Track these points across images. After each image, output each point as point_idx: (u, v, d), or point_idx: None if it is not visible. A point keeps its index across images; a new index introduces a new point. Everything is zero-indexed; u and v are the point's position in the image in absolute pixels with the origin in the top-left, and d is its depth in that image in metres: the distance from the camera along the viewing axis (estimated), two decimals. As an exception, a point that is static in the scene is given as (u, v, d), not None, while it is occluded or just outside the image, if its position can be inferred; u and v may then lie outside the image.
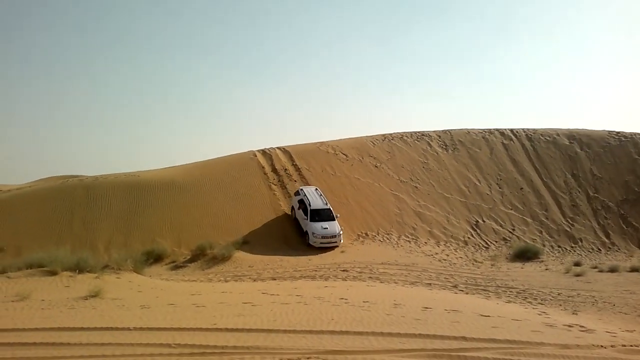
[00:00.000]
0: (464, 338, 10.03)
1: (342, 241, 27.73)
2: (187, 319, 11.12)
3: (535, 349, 9.58)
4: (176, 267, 23.98)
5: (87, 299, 13.97)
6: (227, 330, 10.05)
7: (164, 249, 25.12)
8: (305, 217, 27.61)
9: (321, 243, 27.11)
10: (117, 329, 10.04)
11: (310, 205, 27.87)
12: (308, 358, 8.26)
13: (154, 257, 24.26)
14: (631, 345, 10.58)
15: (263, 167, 33.62)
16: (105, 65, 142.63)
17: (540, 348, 9.65)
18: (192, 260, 24.72)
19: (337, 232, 27.53)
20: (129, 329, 10.05)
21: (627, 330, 13.08)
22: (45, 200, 28.62)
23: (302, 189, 29.66)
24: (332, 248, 27.25)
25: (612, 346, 10.31)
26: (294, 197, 29.61)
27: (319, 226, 27.31)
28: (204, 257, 24.73)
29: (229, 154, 36.53)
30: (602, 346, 10.25)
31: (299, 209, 28.46)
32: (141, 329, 10.06)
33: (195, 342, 9.08)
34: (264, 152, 35.79)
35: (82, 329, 10.01)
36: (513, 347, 9.57)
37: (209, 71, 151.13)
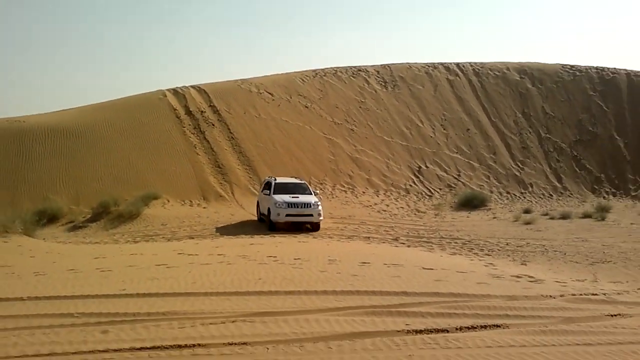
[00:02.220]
0: (405, 293, 10.49)
1: (322, 218, 23.13)
2: (91, 286, 11.06)
3: (481, 301, 10.15)
4: (75, 228, 23.55)
5: (-33, 267, 13.66)
6: (138, 295, 10.08)
7: (59, 207, 24.55)
8: (268, 193, 23.38)
9: (288, 216, 22.49)
10: (7, 299, 9.89)
11: (275, 179, 24.34)
12: (233, 321, 8.44)
13: (48, 217, 23.67)
14: (581, 294, 11.37)
15: (175, 109, 33.02)
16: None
17: (486, 300, 10.23)
18: (94, 219, 24.32)
19: (313, 201, 22.99)
20: (22, 299, 9.91)
21: (578, 280, 13.96)
22: None
23: (271, 177, 25.66)
24: (307, 228, 23.02)
25: (561, 296, 11.05)
26: (260, 192, 25.00)
27: (285, 196, 22.90)
28: (107, 215, 24.38)
29: (133, 94, 35.62)
30: (550, 296, 10.97)
31: (262, 191, 24.37)
32: (37, 298, 9.94)
33: (102, 310, 9.07)
34: (175, 91, 35.06)
35: (-36, 301, 9.80)
36: (457, 301, 10.10)
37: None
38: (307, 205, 22.67)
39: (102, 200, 24.91)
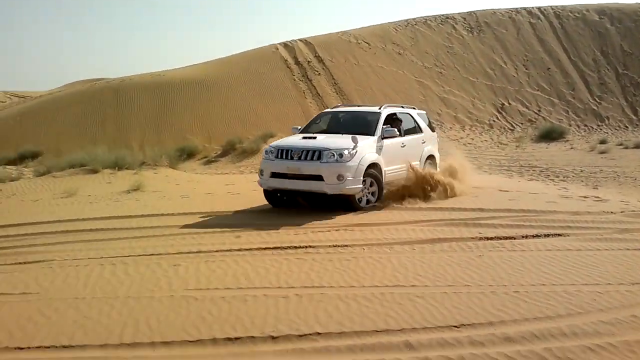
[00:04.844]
0: (481, 209, 10.86)
1: (352, 186, 10.56)
2: (225, 205, 12.15)
3: (547, 216, 10.38)
4: (208, 162, 24.97)
5: (129, 193, 15.11)
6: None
7: (195, 145, 26.02)
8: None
9: (274, 177, 11.08)
10: (162, 214, 11.10)
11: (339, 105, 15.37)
12: (337, 230, 9.22)
13: (187, 154, 25.19)
14: (640, 211, 11.28)
15: (286, 61, 33.69)
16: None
17: (552, 215, 10.44)
18: (223, 155, 25.63)
19: (334, 148, 10.61)
20: (172, 214, 11.09)
21: (644, 201, 13.67)
22: (76, 104, 29.53)
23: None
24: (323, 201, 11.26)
25: (621, 212, 11.02)
26: None
27: (294, 138, 12.18)
28: (234, 151, 25.58)
29: (249, 49, 36.57)
30: (611, 212, 10.97)
31: None
32: (184, 213, 11.10)
33: (235, 222, 10.10)
34: (285, 45, 35.67)
35: (130, 216, 11.07)
36: (526, 215, 10.37)
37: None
38: (312, 154, 10.65)
39: (229, 139, 26.14)
